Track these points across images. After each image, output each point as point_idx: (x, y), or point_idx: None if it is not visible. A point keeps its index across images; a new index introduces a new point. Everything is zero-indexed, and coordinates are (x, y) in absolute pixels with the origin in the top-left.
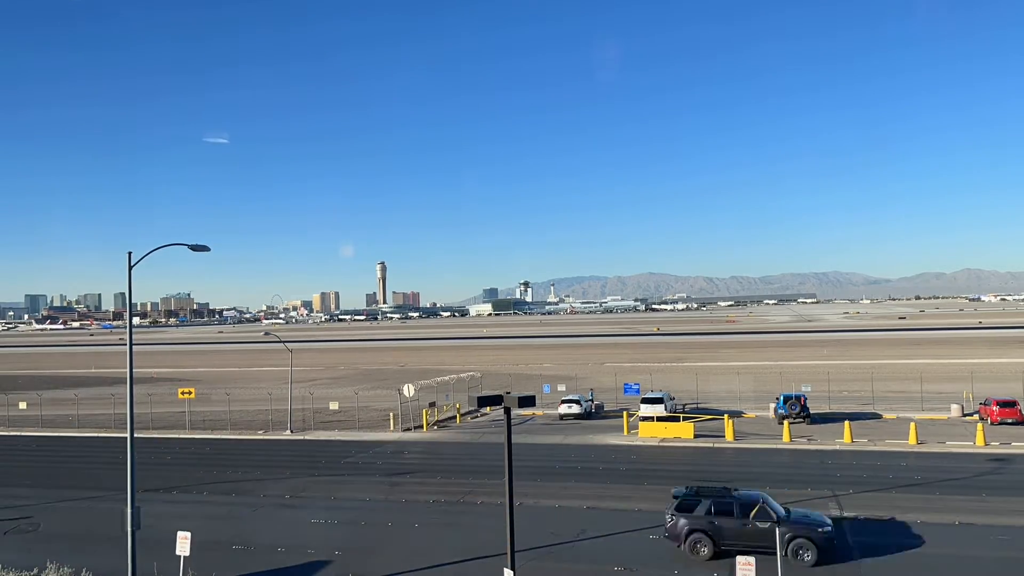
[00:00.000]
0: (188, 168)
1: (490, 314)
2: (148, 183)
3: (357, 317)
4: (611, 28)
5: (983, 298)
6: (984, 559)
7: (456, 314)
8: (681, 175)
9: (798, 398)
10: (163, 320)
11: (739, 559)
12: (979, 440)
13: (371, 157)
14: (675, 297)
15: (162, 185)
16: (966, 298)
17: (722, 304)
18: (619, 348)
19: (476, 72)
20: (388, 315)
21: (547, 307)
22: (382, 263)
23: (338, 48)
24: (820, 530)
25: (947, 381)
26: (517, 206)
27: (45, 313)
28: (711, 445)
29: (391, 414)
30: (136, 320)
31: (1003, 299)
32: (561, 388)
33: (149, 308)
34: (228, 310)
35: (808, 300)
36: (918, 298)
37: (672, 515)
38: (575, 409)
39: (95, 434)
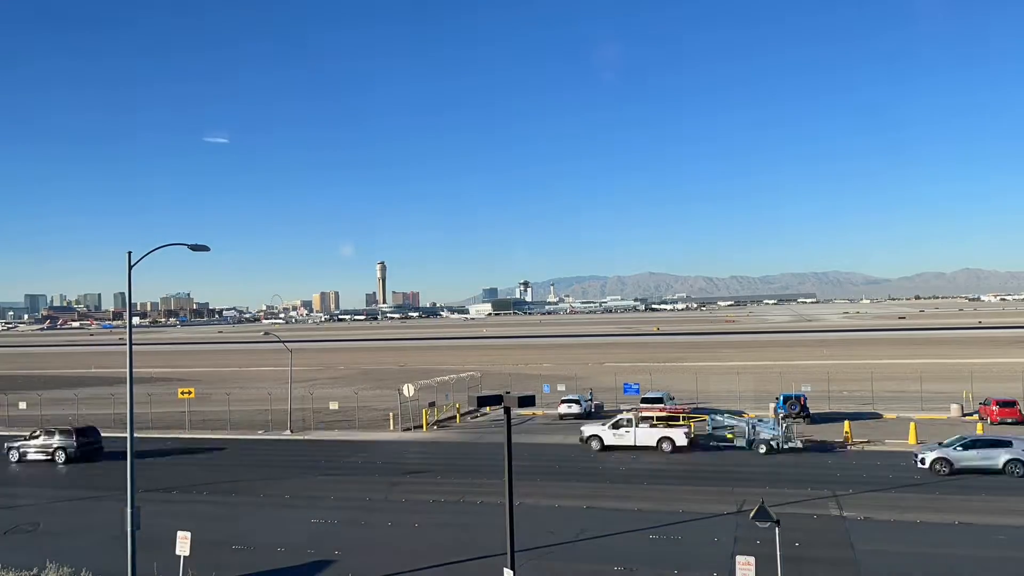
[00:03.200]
0: (188, 168)
1: (490, 314)
2: (148, 183)
3: (357, 317)
4: (611, 32)
5: (983, 298)
6: (984, 559)
7: (456, 314)
8: (681, 176)
9: (798, 398)
10: (163, 320)
11: (739, 559)
12: None
13: (371, 159)
14: (675, 297)
15: (162, 185)
16: (966, 298)
17: (722, 304)
18: (619, 348)
19: (477, 75)
20: (388, 315)
21: (547, 307)
22: (382, 263)
23: (340, 55)
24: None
25: (947, 381)
26: (517, 206)
27: (45, 313)
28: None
29: (391, 414)
30: (136, 320)
31: (1003, 299)
32: (561, 388)
33: (149, 308)
34: (228, 310)
35: (808, 300)
36: (918, 298)
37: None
38: (575, 409)
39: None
